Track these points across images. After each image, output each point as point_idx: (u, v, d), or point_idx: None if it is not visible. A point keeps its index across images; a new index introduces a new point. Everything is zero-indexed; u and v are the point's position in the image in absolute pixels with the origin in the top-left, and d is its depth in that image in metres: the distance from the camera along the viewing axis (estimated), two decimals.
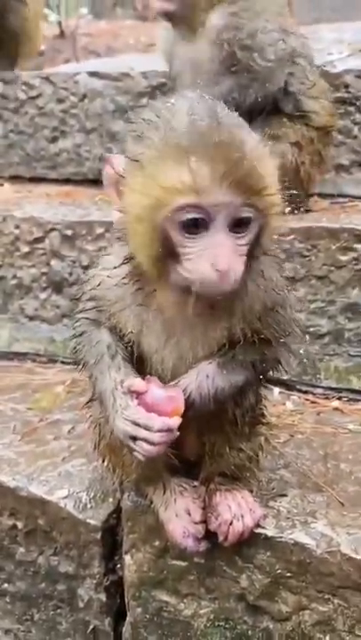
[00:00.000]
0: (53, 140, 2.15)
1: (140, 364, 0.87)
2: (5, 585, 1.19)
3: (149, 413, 0.79)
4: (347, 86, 1.85)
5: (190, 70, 1.60)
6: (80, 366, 0.92)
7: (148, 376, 0.85)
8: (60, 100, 2.12)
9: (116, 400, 0.82)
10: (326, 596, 0.92)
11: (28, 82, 2.14)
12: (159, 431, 0.78)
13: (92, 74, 2.09)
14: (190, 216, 0.71)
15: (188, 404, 0.82)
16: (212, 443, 0.92)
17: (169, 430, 0.78)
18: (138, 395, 0.81)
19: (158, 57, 1.77)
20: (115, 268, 0.84)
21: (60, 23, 3.81)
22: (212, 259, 0.71)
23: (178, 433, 0.79)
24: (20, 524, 1.15)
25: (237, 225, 0.73)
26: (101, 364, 0.85)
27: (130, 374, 0.84)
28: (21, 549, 1.16)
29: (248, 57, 1.53)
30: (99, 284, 0.87)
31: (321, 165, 1.71)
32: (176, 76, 1.68)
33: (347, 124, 1.88)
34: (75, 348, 0.92)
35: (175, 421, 0.79)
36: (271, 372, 0.93)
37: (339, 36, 2.38)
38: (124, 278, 0.83)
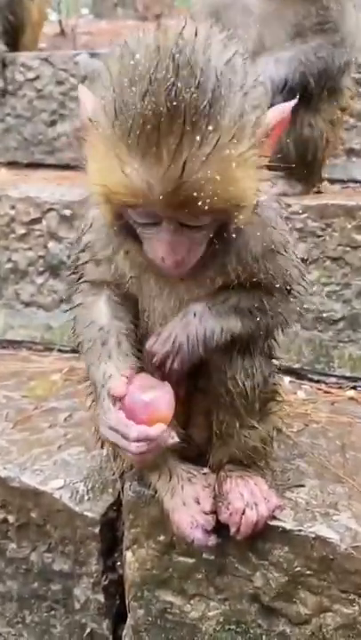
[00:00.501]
0: (52, 123, 2.07)
1: (141, 315, 0.82)
2: None
3: (128, 420, 0.74)
4: (359, 66, 1.78)
5: (258, 24, 1.42)
6: (76, 344, 0.86)
7: (141, 373, 0.79)
8: (60, 82, 2.04)
9: (101, 399, 0.78)
10: (351, 597, 0.83)
11: (27, 63, 2.06)
12: (136, 440, 0.72)
13: (93, 55, 2.02)
14: (136, 210, 0.66)
15: (175, 349, 0.76)
16: (220, 421, 0.85)
17: (148, 439, 0.72)
18: (118, 398, 0.76)
19: (193, 15, 1.53)
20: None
21: (60, 22, 3.78)
22: (161, 252, 0.68)
23: (173, 440, 0.75)
24: (11, 518, 1.06)
25: (193, 218, 0.66)
26: (93, 351, 0.81)
27: (120, 363, 0.79)
28: (13, 545, 1.07)
29: (340, 17, 1.42)
30: (90, 226, 0.81)
31: (338, 146, 1.64)
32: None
33: (358, 106, 1.80)
34: (73, 327, 0.87)
35: (156, 430, 0.72)
36: (277, 330, 0.85)
37: None
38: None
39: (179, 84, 0.58)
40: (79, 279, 0.84)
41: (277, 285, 0.78)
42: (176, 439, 0.76)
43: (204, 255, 0.71)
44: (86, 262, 0.82)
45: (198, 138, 0.59)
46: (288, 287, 0.79)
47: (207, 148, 0.59)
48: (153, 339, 0.78)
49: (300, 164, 1.45)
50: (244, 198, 0.65)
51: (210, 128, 0.59)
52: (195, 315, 0.77)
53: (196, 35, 0.62)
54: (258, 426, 0.83)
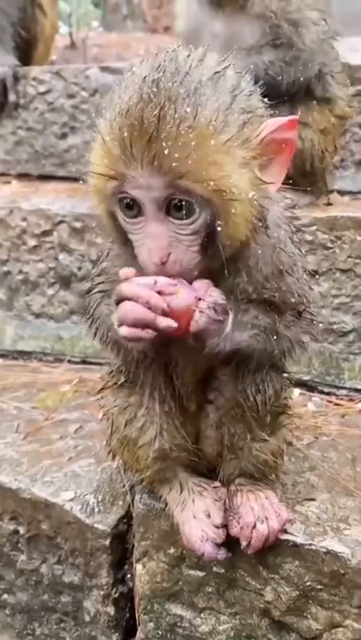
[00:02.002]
0: (63, 136, 2.08)
1: None
2: (5, 596, 1.10)
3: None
4: None
5: (223, 46, 1.49)
6: (97, 338, 0.84)
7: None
8: (71, 96, 2.06)
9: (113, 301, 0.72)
10: None
11: (38, 77, 2.08)
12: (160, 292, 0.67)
13: (104, 69, 2.03)
14: (121, 197, 0.68)
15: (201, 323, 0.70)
16: (231, 434, 0.84)
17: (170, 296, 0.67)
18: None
19: (177, 35, 1.64)
20: None
21: (70, 34, 3.82)
22: (147, 248, 0.68)
23: (175, 325, 0.68)
24: (21, 529, 1.06)
25: (177, 209, 0.67)
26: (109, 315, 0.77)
27: None
28: (23, 557, 1.07)
29: (294, 32, 1.43)
30: (107, 255, 0.82)
31: (335, 155, 1.64)
32: None
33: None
34: (89, 326, 0.85)
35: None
36: (291, 352, 0.83)
37: (352, 46, 2.32)
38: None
39: (163, 79, 0.64)
40: (91, 291, 0.84)
41: (290, 303, 0.77)
42: None
43: (203, 269, 0.70)
44: (101, 282, 0.82)
45: (177, 115, 0.63)
46: (300, 309, 0.79)
47: (185, 123, 0.63)
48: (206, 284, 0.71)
49: (299, 175, 1.46)
50: (226, 187, 0.65)
51: (188, 110, 0.63)
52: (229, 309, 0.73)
53: (193, 51, 0.69)
54: (269, 439, 0.83)
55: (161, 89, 0.64)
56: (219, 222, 0.67)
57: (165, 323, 0.67)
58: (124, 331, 0.68)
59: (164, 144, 0.63)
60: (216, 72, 0.67)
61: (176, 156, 0.63)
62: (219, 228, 0.67)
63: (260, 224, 0.73)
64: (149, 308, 0.66)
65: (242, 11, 1.45)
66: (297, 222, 0.83)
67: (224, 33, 1.50)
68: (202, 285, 0.70)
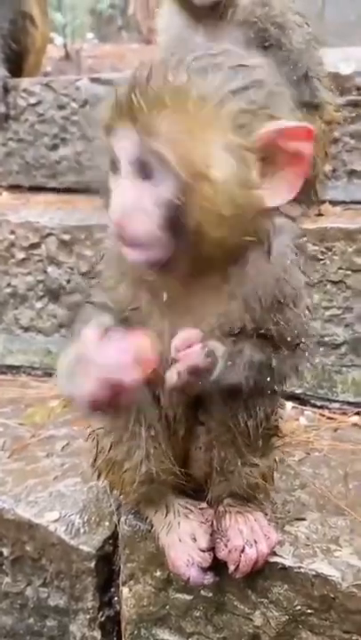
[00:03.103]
0: (54, 147, 2.07)
1: None
2: None
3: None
4: (359, 88, 1.78)
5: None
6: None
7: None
8: (61, 107, 2.05)
9: (77, 339, 0.66)
10: (354, 638, 0.80)
11: (29, 88, 2.07)
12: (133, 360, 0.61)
13: (94, 80, 2.02)
14: (109, 153, 0.66)
15: (209, 366, 0.68)
16: (221, 458, 0.81)
17: (145, 360, 0.61)
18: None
19: (161, 50, 1.65)
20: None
21: (65, 45, 3.83)
22: (112, 210, 0.65)
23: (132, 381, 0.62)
24: (5, 551, 1.04)
25: (148, 175, 0.63)
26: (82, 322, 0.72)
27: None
28: (7, 579, 1.04)
29: (281, 34, 1.43)
30: (102, 257, 0.79)
31: (326, 162, 1.62)
32: None
33: (359, 128, 1.80)
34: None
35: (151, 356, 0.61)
36: (284, 382, 0.81)
37: (344, 57, 2.32)
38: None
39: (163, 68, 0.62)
40: (85, 300, 0.82)
41: (288, 339, 0.74)
42: None
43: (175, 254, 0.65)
44: (94, 288, 0.79)
45: (170, 78, 0.61)
46: (296, 342, 0.75)
47: (172, 84, 0.61)
48: (190, 340, 0.68)
49: None
50: (197, 161, 0.61)
51: (183, 77, 0.61)
52: (220, 356, 0.70)
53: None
54: (260, 463, 0.80)
55: (174, 64, 0.62)
56: (180, 197, 0.61)
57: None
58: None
59: (145, 101, 0.60)
60: (241, 64, 0.64)
61: (153, 114, 0.60)
62: (178, 198, 0.61)
63: (260, 244, 0.69)
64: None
65: (222, 20, 1.43)
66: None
67: (205, 45, 1.50)
68: (183, 341, 0.67)
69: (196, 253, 0.66)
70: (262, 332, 0.72)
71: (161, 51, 1.58)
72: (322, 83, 1.51)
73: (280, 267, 0.73)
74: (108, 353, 0.60)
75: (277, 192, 0.65)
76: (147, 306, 0.75)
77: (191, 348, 0.67)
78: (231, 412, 0.77)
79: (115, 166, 0.66)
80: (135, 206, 0.63)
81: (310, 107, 1.49)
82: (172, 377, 0.67)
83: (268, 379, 0.74)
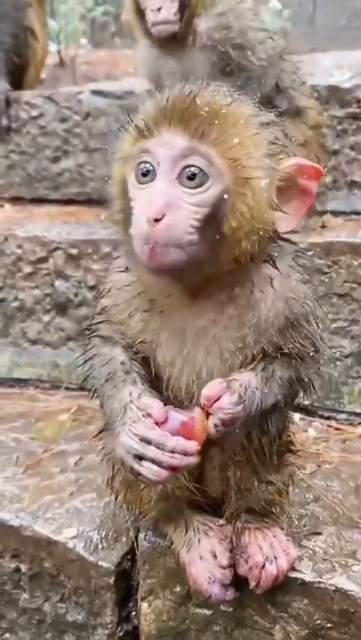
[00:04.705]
0: (55, 159, 2.08)
1: (156, 382, 0.78)
2: (7, 635, 1.08)
3: (163, 431, 0.70)
4: (358, 101, 1.80)
5: (180, 83, 1.58)
6: (91, 390, 0.82)
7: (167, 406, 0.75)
8: (63, 120, 2.06)
9: (127, 412, 0.72)
10: None
11: (31, 101, 2.08)
12: (173, 452, 0.68)
13: (96, 92, 2.03)
14: (140, 160, 0.69)
15: (242, 413, 0.71)
16: (237, 477, 0.83)
17: (184, 453, 0.68)
18: (155, 423, 0.71)
19: (142, 79, 1.74)
20: (122, 271, 0.79)
21: (59, 52, 3.83)
22: (146, 206, 0.66)
23: (197, 459, 0.69)
24: (23, 567, 1.05)
25: (189, 179, 0.66)
26: (114, 379, 0.76)
27: (147, 391, 0.75)
28: (25, 595, 1.05)
29: (242, 56, 1.49)
30: (108, 291, 0.81)
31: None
32: None
33: (359, 140, 1.82)
34: (85, 371, 0.82)
35: (192, 445, 0.69)
36: (301, 395, 0.84)
37: (338, 62, 2.35)
38: (129, 284, 0.78)
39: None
40: (92, 334, 0.83)
41: (308, 352, 0.77)
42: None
43: (198, 264, 0.68)
44: (101, 322, 0.81)
45: (217, 96, 0.69)
46: (315, 353, 0.78)
47: (222, 102, 0.68)
48: (217, 393, 0.71)
49: None
50: (246, 166, 0.66)
51: (228, 98, 0.69)
52: (256, 388, 0.73)
53: None
54: (275, 480, 0.82)
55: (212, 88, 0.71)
56: (222, 200, 0.66)
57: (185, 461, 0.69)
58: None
59: (197, 109, 0.66)
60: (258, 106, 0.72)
61: (205, 121, 0.66)
62: (222, 200, 0.66)
63: (267, 261, 0.73)
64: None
65: (188, 47, 1.51)
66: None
67: (179, 70, 1.57)
68: (211, 392, 0.71)
69: (214, 265, 0.69)
70: (285, 350, 0.75)
71: (143, 80, 1.72)
72: (298, 91, 1.56)
73: (286, 288, 0.76)
74: (175, 444, 0.68)
75: (287, 218, 0.71)
76: (158, 336, 0.77)
77: (221, 400, 0.70)
78: (245, 429, 0.77)
79: (143, 175, 0.68)
80: (175, 203, 0.66)
81: (291, 114, 1.54)
82: (210, 430, 0.71)
83: (299, 391, 0.78)
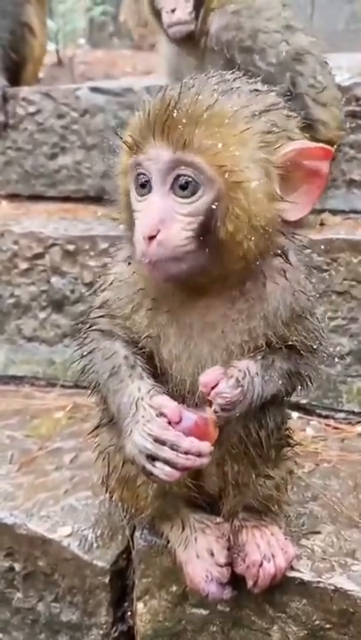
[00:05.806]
0: (53, 156, 2.07)
1: (159, 375, 0.77)
2: (0, 635, 1.06)
3: (177, 432, 0.68)
4: (358, 99, 1.79)
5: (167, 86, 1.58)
6: (91, 386, 0.80)
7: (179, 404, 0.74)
8: (61, 116, 2.05)
9: (139, 410, 0.71)
10: None
11: (28, 97, 2.07)
12: (186, 453, 0.67)
13: (94, 89, 2.02)
14: (137, 172, 0.69)
15: (242, 397, 0.70)
16: (235, 471, 0.82)
17: (197, 455, 0.67)
18: (168, 422, 0.69)
19: (163, 77, 1.72)
20: (128, 264, 0.77)
21: (57, 51, 3.82)
22: (142, 224, 0.67)
23: (209, 460, 0.68)
24: (17, 566, 1.03)
25: (182, 189, 0.66)
26: (119, 374, 0.75)
27: (157, 387, 0.73)
28: (19, 595, 1.04)
29: (248, 60, 1.44)
30: (110, 284, 0.79)
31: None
32: None
33: (358, 138, 1.81)
34: (84, 366, 0.81)
35: (206, 446, 0.68)
36: (299, 388, 0.82)
37: (336, 64, 2.33)
38: (133, 278, 0.77)
39: (198, 84, 0.69)
40: (89, 327, 0.81)
41: (311, 346, 0.76)
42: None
43: (195, 268, 0.67)
44: (101, 316, 0.79)
45: (200, 97, 0.66)
46: (316, 347, 0.78)
47: (204, 103, 0.65)
48: (215, 379, 0.70)
49: None
50: (234, 170, 0.64)
51: (212, 97, 0.66)
52: (256, 374, 0.72)
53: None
54: (273, 474, 0.81)
55: (191, 89, 0.67)
56: (215, 206, 0.64)
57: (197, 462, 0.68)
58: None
59: (177, 117, 0.64)
60: (256, 90, 0.69)
61: (187, 130, 0.64)
62: (214, 207, 0.65)
63: (276, 259, 0.72)
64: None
65: (200, 48, 1.49)
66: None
67: (196, 67, 1.54)
68: (208, 379, 0.69)
69: (219, 267, 0.68)
70: (289, 343, 0.74)
71: (164, 74, 1.71)
72: (315, 99, 1.47)
73: (295, 281, 0.75)
74: (190, 445, 0.67)
75: (297, 206, 0.69)
76: (165, 330, 0.75)
77: (218, 385, 0.69)
78: (243, 422, 0.77)
79: (141, 186, 0.68)
80: (168, 217, 0.65)
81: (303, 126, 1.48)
82: (211, 417, 0.70)
83: (296, 383, 0.77)
